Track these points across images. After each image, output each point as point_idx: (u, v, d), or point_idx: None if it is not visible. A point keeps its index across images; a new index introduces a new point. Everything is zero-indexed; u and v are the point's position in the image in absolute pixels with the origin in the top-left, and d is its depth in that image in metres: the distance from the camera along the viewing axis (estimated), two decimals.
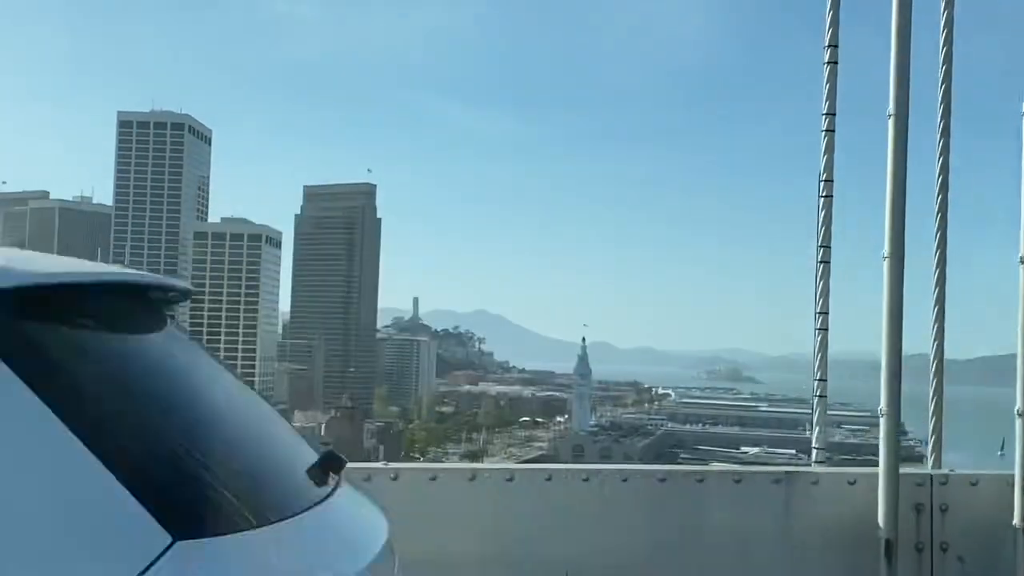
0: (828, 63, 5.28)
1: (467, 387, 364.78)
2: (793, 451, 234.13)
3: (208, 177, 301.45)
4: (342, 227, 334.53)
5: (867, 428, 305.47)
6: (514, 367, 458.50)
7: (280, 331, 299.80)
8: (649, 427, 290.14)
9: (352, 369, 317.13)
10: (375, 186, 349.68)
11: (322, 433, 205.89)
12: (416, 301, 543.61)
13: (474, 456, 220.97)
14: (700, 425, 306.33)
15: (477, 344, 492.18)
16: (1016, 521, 4.81)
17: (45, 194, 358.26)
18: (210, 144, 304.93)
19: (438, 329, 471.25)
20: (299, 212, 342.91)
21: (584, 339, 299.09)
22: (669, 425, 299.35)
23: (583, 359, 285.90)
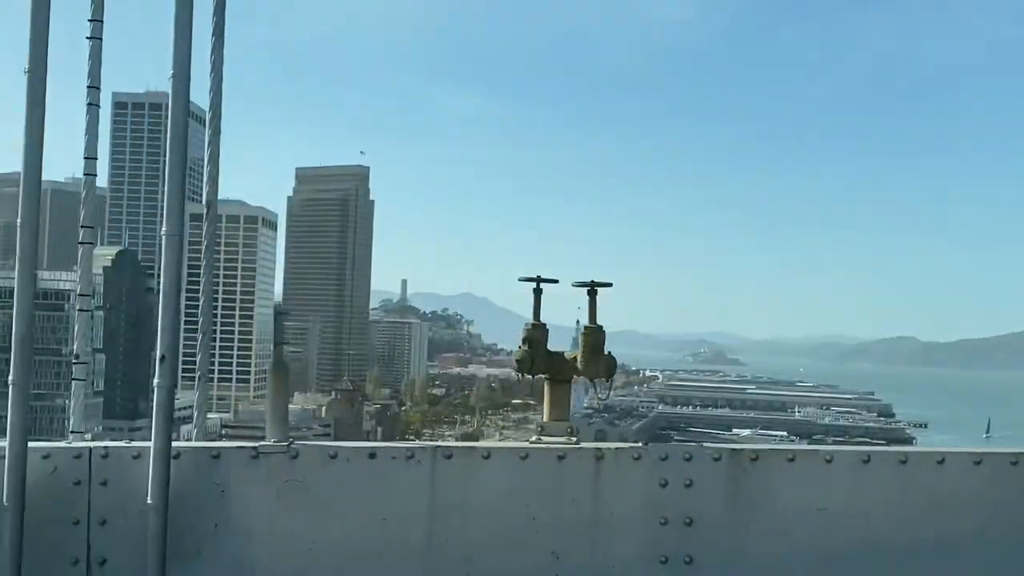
0: None
1: (457, 369, 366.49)
2: (784, 433, 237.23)
3: (203, 159, 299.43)
4: (335, 209, 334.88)
5: (855, 410, 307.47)
6: (502, 349, 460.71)
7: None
8: (641, 409, 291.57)
9: (352, 352, 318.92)
10: (368, 168, 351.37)
11: (323, 415, 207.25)
12: (404, 283, 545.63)
13: (470, 438, 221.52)
14: (691, 407, 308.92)
15: (465, 326, 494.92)
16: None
17: None
18: (204, 125, 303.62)
19: (426, 311, 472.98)
20: (291, 194, 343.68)
21: (578, 322, 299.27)
22: (660, 407, 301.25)
23: (577, 341, 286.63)
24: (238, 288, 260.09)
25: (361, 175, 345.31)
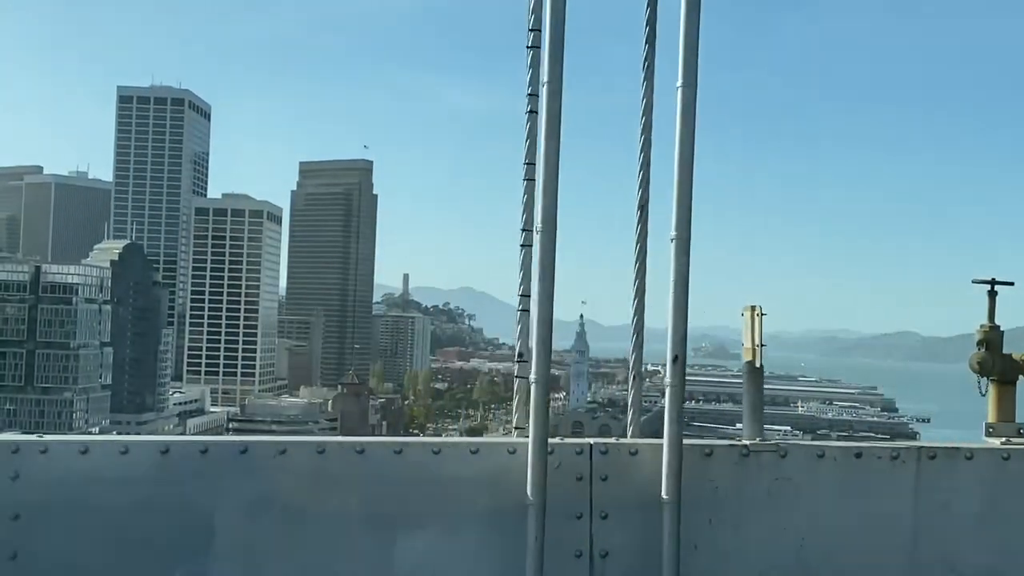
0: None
1: (459, 363, 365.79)
2: (787, 427, 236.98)
3: (207, 153, 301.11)
4: (339, 203, 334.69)
5: (858, 405, 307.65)
6: (504, 343, 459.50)
7: (277, 307, 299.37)
8: (644, 404, 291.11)
9: (358, 346, 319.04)
10: (372, 163, 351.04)
11: (329, 409, 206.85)
12: (406, 278, 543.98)
13: (475, 432, 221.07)
14: (694, 402, 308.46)
15: (467, 321, 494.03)
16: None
17: (39, 169, 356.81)
18: (209, 119, 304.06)
19: (428, 306, 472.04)
20: (295, 188, 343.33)
21: (582, 316, 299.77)
22: (664, 402, 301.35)
23: (581, 336, 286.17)
24: (243, 282, 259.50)
25: (365, 169, 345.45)
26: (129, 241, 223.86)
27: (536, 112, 5.20)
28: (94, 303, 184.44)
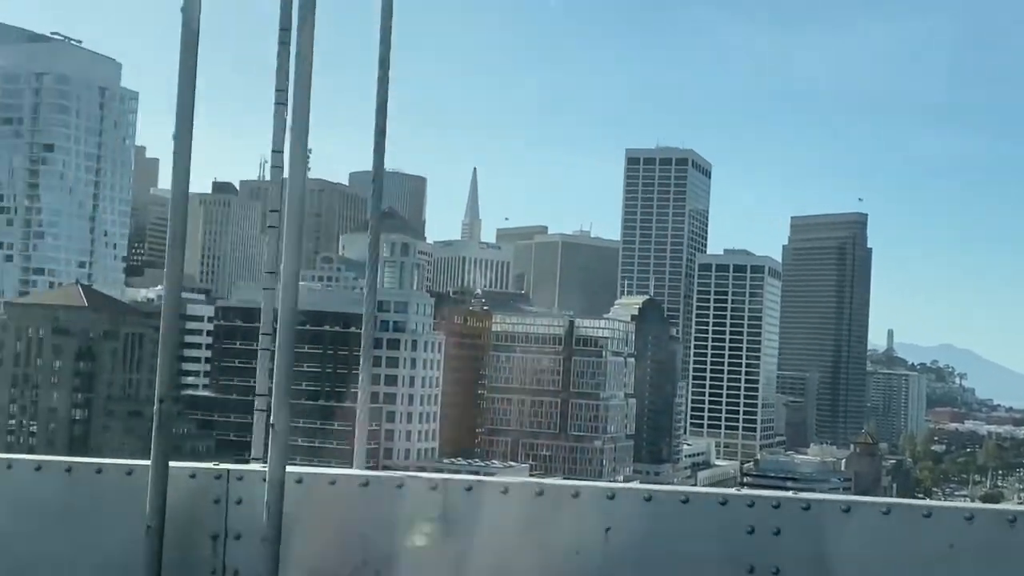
0: None
1: (954, 425, 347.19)
2: None
3: (707, 210, 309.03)
4: (831, 258, 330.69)
5: None
6: (1000, 405, 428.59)
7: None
8: None
9: (869, 404, 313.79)
10: (866, 215, 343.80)
11: (842, 469, 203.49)
12: (891, 333, 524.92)
13: (991, 500, 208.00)
14: None
15: (958, 380, 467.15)
16: None
17: (544, 229, 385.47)
18: (710, 177, 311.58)
19: (913, 363, 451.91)
20: (786, 243, 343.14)
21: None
22: None
23: None
24: (744, 337, 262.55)
25: (859, 222, 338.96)
26: (648, 296, 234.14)
27: None
28: (620, 355, 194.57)
